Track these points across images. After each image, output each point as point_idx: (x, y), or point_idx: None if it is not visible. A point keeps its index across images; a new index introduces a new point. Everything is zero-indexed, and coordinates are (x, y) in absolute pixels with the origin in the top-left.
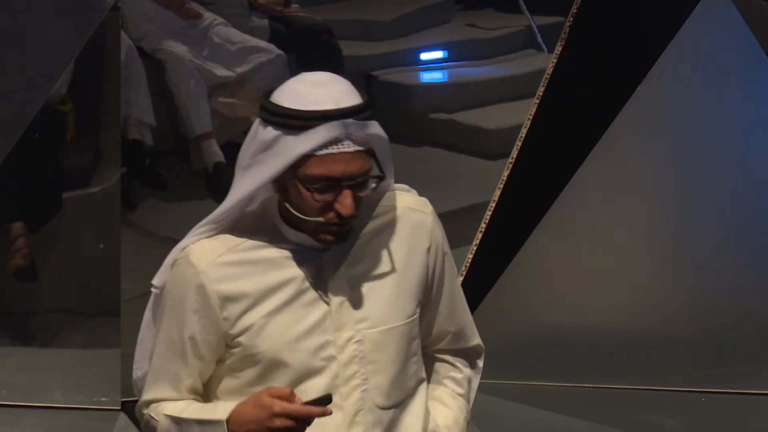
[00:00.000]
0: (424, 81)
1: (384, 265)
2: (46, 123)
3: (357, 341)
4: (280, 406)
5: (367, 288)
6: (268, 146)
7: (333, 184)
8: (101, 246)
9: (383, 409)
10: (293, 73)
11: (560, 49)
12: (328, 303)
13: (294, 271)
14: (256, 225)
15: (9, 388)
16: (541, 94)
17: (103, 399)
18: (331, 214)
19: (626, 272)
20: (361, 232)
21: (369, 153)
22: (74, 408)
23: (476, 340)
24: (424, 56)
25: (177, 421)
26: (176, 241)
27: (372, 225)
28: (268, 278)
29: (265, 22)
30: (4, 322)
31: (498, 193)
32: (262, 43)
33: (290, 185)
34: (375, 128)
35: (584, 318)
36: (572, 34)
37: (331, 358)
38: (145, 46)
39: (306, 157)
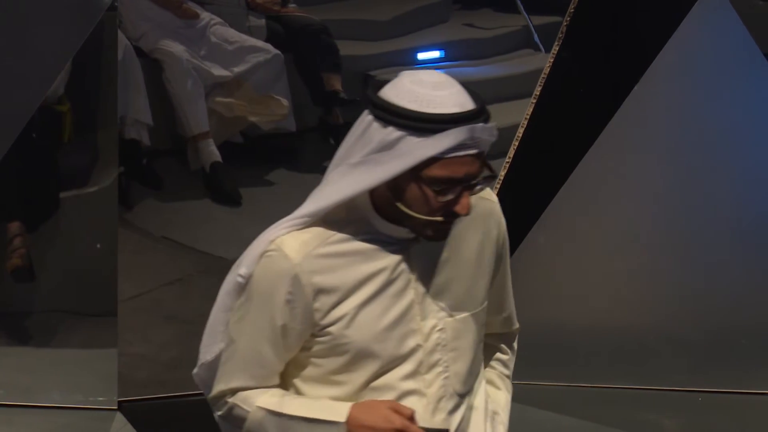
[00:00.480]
0: None
1: (462, 254)
2: (43, 123)
3: (440, 329)
4: (403, 424)
5: (447, 276)
6: (389, 146)
7: (454, 185)
8: (98, 246)
9: (460, 395)
10: (290, 72)
11: (557, 49)
12: (413, 292)
13: (383, 261)
14: (346, 217)
15: (7, 388)
16: (538, 93)
17: (100, 399)
18: (445, 213)
19: (623, 272)
20: None
21: (481, 153)
22: (71, 408)
23: (517, 323)
24: (421, 56)
25: (276, 414)
26: (173, 241)
27: None
28: (359, 269)
29: (263, 21)
30: (1, 321)
31: (495, 192)
32: (260, 43)
33: (407, 185)
34: (495, 130)
35: (582, 318)
36: (569, 34)
37: (416, 347)
38: (142, 46)
39: (431, 160)
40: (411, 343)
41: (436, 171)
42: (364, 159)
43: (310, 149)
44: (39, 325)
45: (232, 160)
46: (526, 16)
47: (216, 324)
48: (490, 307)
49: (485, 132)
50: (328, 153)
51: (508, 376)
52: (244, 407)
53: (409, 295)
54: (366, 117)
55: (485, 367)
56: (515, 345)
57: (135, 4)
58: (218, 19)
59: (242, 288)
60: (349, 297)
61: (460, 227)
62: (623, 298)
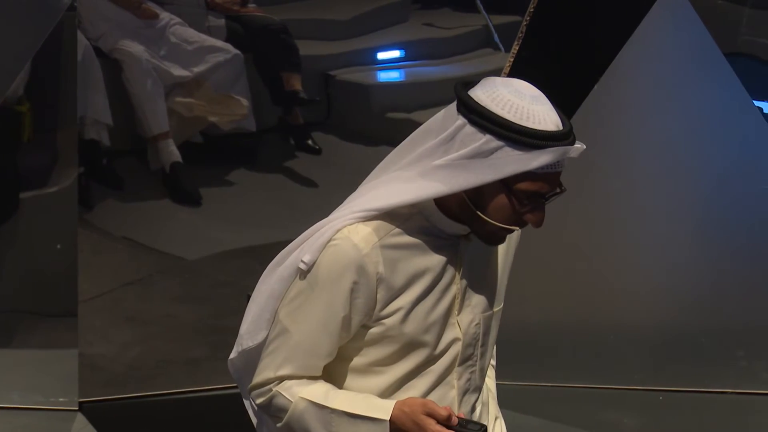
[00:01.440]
0: (382, 80)
1: (494, 253)
2: (2, 123)
3: (476, 324)
4: (436, 431)
5: (482, 273)
6: (484, 155)
7: (537, 199)
8: (58, 246)
9: (479, 390)
10: (250, 72)
11: (517, 48)
12: (456, 287)
13: (437, 256)
14: (409, 211)
15: None
16: None
17: (61, 399)
18: (519, 221)
19: (583, 271)
20: None
21: None
22: (32, 408)
23: None
24: (381, 56)
25: (319, 407)
26: (134, 242)
27: None
28: (417, 263)
29: (222, 21)
30: None
31: None
32: (219, 43)
33: (492, 193)
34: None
35: (542, 316)
36: (529, 33)
37: (456, 340)
38: (102, 46)
39: (525, 174)
40: (450, 336)
41: (526, 185)
42: (452, 162)
43: (270, 149)
44: None
45: (192, 160)
46: (486, 15)
47: (263, 311)
48: None
49: (575, 152)
50: (288, 152)
51: (494, 366)
52: (287, 397)
53: (453, 290)
54: (456, 119)
55: None
56: None
57: (94, 4)
58: (178, 19)
59: (302, 275)
60: (407, 290)
61: None
62: (584, 296)
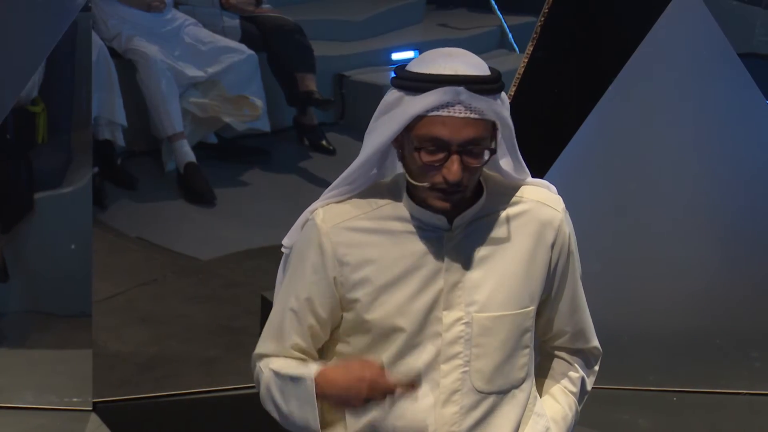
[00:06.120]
0: None
1: (505, 254)
2: (17, 124)
3: (465, 323)
4: (372, 375)
5: (484, 273)
6: (390, 108)
7: (441, 147)
8: (73, 246)
9: (482, 393)
10: (264, 73)
11: (532, 49)
12: (442, 281)
13: (414, 246)
14: (386, 198)
15: None
16: (512, 94)
17: (75, 399)
18: (438, 179)
19: (597, 273)
20: (489, 218)
21: (488, 125)
22: (46, 408)
23: (594, 342)
24: (396, 56)
25: (277, 375)
26: (148, 242)
27: (501, 213)
28: (389, 250)
29: (237, 22)
30: None
31: None
32: (233, 44)
33: (409, 153)
34: (488, 102)
35: None
36: (544, 33)
37: (436, 335)
38: (116, 47)
39: (418, 119)
40: (430, 330)
41: (421, 129)
42: (373, 125)
43: (284, 149)
44: (13, 326)
45: (207, 160)
46: (501, 16)
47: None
48: (557, 320)
49: (470, 97)
50: (302, 153)
51: (573, 393)
52: (263, 371)
53: (438, 284)
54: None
55: (551, 379)
56: (596, 366)
57: (109, 5)
58: (192, 20)
59: (284, 258)
60: (374, 275)
61: (508, 228)
62: (598, 297)
